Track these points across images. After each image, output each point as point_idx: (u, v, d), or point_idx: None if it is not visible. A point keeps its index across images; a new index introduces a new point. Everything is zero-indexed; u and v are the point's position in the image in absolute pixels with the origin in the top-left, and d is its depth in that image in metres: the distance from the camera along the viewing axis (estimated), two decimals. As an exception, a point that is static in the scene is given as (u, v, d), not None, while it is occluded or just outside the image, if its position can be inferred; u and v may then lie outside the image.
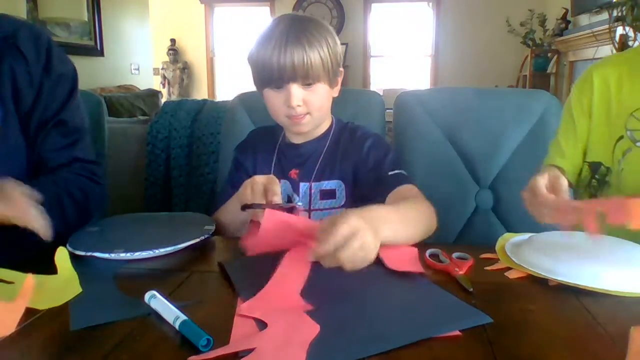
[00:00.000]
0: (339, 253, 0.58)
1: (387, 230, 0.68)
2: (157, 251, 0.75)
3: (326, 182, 0.97)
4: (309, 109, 0.91)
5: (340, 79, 0.98)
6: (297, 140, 1.00)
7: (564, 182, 0.83)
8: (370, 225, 0.62)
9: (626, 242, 0.77)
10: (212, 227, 0.84)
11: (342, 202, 0.98)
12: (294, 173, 0.99)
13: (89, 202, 0.87)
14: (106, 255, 0.73)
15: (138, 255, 0.74)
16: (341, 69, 0.97)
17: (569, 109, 1.05)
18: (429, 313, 0.58)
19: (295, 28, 0.87)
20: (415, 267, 0.68)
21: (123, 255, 0.73)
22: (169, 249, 0.77)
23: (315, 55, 0.86)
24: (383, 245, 0.67)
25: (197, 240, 0.79)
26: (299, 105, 0.89)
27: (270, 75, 0.88)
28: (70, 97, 0.88)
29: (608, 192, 1.00)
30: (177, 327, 0.54)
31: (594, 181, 1.02)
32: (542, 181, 0.82)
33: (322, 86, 0.91)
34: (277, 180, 0.79)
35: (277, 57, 0.85)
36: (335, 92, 0.98)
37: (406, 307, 0.60)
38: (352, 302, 0.61)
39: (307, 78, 0.88)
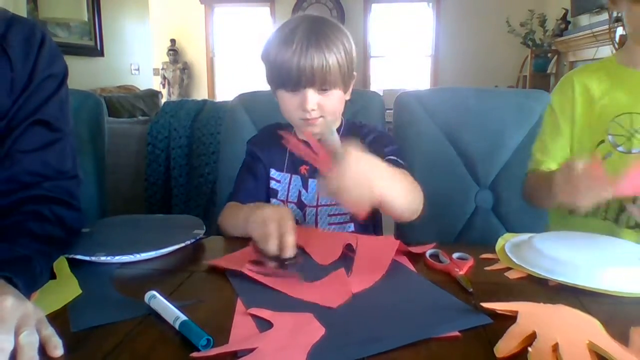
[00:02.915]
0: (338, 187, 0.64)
1: (381, 186, 0.70)
2: (138, 255, 0.75)
3: None
4: (323, 113, 0.91)
5: (352, 82, 0.98)
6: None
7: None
8: (370, 172, 0.66)
9: (625, 242, 0.78)
10: (202, 232, 0.83)
11: None
12: (303, 169, 1.00)
13: (70, 240, 0.77)
14: (87, 258, 0.73)
15: (118, 259, 0.74)
16: (355, 72, 0.97)
17: (552, 115, 1.05)
18: (429, 313, 0.58)
19: (315, 31, 0.87)
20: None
21: (103, 259, 0.73)
22: (152, 254, 0.76)
23: (334, 61, 0.87)
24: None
25: (182, 245, 0.79)
26: (313, 110, 0.89)
27: (288, 78, 0.88)
28: (54, 95, 0.80)
29: None
30: (177, 327, 0.54)
31: None
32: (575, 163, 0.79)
33: (337, 92, 0.91)
34: (291, 215, 0.75)
35: (298, 60, 0.85)
36: (348, 95, 0.98)
37: (406, 308, 0.60)
38: (352, 302, 0.61)
39: (324, 84, 0.88)
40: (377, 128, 1.04)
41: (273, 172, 1.03)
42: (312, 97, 0.88)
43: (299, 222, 0.99)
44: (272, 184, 1.02)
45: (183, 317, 0.54)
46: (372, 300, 0.62)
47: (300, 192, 1.00)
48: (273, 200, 1.01)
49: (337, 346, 0.50)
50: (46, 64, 0.79)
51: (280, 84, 0.91)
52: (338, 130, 1.02)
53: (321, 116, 0.91)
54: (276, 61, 0.89)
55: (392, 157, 0.91)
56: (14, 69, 0.75)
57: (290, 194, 1.00)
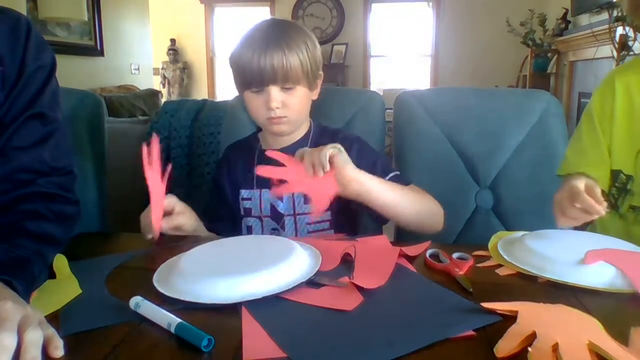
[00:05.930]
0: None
1: (363, 176, 0.80)
2: None
3: None
4: (287, 112, 0.92)
5: (319, 82, 0.99)
6: (275, 146, 0.99)
7: (599, 191, 0.81)
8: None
9: (614, 240, 0.77)
10: None
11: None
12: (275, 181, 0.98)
13: (67, 236, 0.76)
14: None
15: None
16: (320, 72, 0.98)
17: (589, 116, 1.02)
18: (441, 314, 0.58)
19: (275, 32, 0.90)
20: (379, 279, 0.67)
21: None
22: None
23: (295, 59, 0.89)
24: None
25: None
26: (277, 108, 0.90)
27: (251, 78, 0.90)
28: (45, 86, 0.78)
29: (631, 200, 0.99)
30: (172, 330, 0.52)
31: (613, 189, 1.01)
32: (581, 185, 0.80)
33: (301, 89, 0.93)
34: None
35: (258, 60, 0.88)
36: (315, 95, 0.99)
37: (418, 310, 0.60)
38: (364, 306, 0.60)
39: (286, 81, 0.89)
40: (353, 135, 1.02)
41: (243, 192, 1.01)
42: (276, 94, 0.90)
43: (279, 232, 0.98)
44: (245, 204, 1.01)
45: (177, 320, 0.53)
46: (384, 304, 0.61)
47: (272, 205, 0.98)
48: (248, 219, 1.00)
49: (355, 352, 0.50)
50: (34, 55, 0.76)
51: (246, 85, 0.93)
52: (308, 135, 1.01)
53: (286, 115, 0.92)
54: (239, 63, 0.91)
55: (393, 174, 0.95)
56: (3, 63, 0.72)
57: (263, 208, 0.99)
